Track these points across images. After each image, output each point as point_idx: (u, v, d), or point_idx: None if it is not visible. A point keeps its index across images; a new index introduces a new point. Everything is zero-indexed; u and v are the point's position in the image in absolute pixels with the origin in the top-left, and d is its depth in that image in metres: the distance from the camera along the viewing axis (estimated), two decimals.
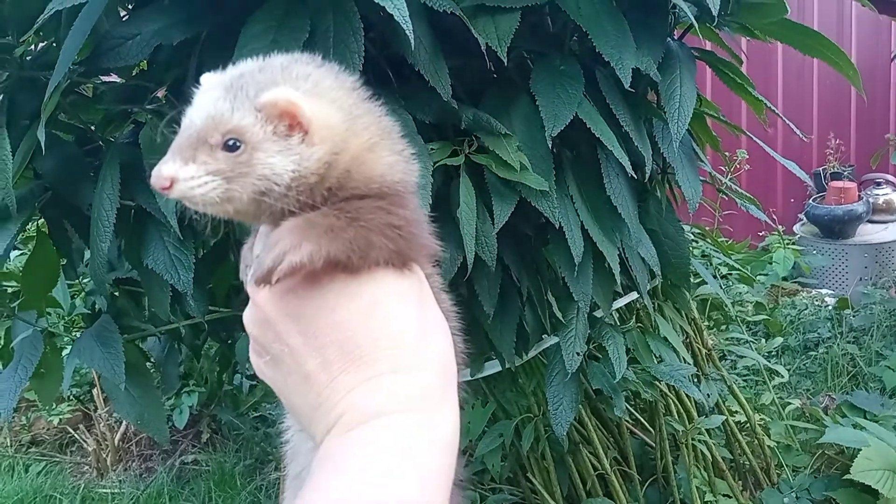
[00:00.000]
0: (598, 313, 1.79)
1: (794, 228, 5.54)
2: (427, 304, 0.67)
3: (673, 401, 2.09)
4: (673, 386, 1.99)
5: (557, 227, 1.46)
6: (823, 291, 4.93)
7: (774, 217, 5.41)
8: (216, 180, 0.63)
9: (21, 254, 3.48)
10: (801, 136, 1.85)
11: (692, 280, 2.04)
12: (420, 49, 1.28)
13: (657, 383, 1.88)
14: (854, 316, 4.25)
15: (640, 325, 1.91)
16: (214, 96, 0.66)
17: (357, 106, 0.68)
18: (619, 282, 1.60)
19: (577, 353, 1.67)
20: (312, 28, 1.19)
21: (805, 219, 5.50)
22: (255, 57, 0.71)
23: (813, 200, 5.41)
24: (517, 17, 1.36)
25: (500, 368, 1.82)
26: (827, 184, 5.44)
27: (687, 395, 2.08)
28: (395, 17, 1.05)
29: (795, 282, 4.99)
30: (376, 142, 0.68)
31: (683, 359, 1.91)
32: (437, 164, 1.38)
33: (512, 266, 1.65)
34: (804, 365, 3.81)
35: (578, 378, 1.75)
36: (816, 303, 4.55)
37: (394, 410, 0.58)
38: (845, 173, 5.60)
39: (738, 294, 3.17)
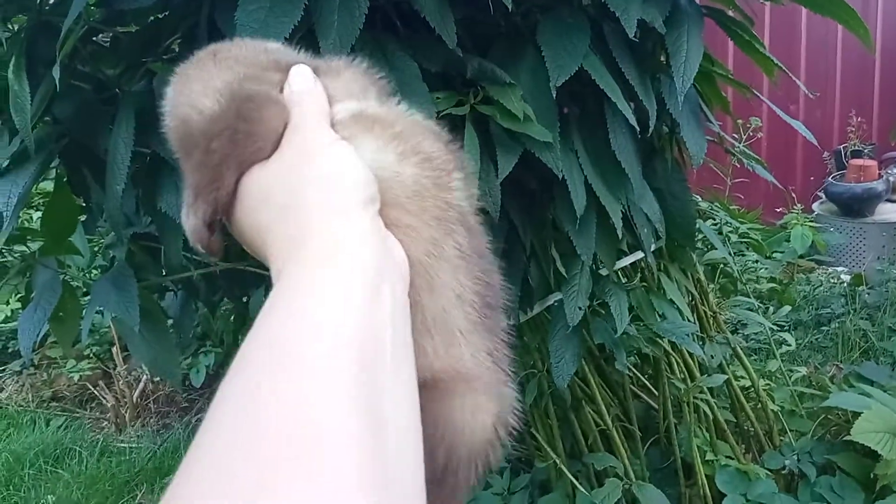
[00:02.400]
0: (603, 271, 1.81)
1: (813, 206, 5.49)
2: None
3: (676, 360, 2.11)
4: (677, 345, 2.01)
5: (560, 178, 1.48)
6: (839, 269, 4.90)
7: (793, 195, 5.38)
8: None
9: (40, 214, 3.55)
10: (807, 93, 1.84)
11: (700, 245, 2.05)
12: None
13: (660, 341, 1.90)
14: (868, 293, 4.23)
15: (644, 284, 1.93)
16: None
17: None
18: (622, 238, 1.61)
19: (580, 308, 1.69)
20: None
21: (824, 196, 5.45)
22: None
23: (832, 178, 5.36)
24: None
25: None
26: (847, 162, 5.38)
27: (690, 355, 2.10)
28: None
29: (812, 259, 4.96)
30: None
31: (687, 319, 1.93)
32: (442, 114, 1.41)
33: (517, 221, 1.67)
34: (816, 339, 3.81)
35: (581, 333, 1.77)
36: (832, 280, 4.53)
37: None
38: (866, 151, 5.54)
39: (749, 265, 3.17)
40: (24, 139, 1.38)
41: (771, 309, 3.32)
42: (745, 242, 3.12)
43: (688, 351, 2.05)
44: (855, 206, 5.16)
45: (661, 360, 2.05)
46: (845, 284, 4.42)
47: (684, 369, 2.10)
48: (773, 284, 3.42)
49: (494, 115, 1.43)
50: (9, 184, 1.40)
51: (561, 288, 1.79)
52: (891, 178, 5.29)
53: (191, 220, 0.66)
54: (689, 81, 1.45)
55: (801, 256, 4.83)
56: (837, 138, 5.85)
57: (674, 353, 2.08)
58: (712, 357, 2.04)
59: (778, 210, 5.17)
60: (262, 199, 0.62)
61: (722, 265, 2.68)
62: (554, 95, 1.41)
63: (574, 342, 1.74)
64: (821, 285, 4.38)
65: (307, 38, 1.22)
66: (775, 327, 2.48)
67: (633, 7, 1.37)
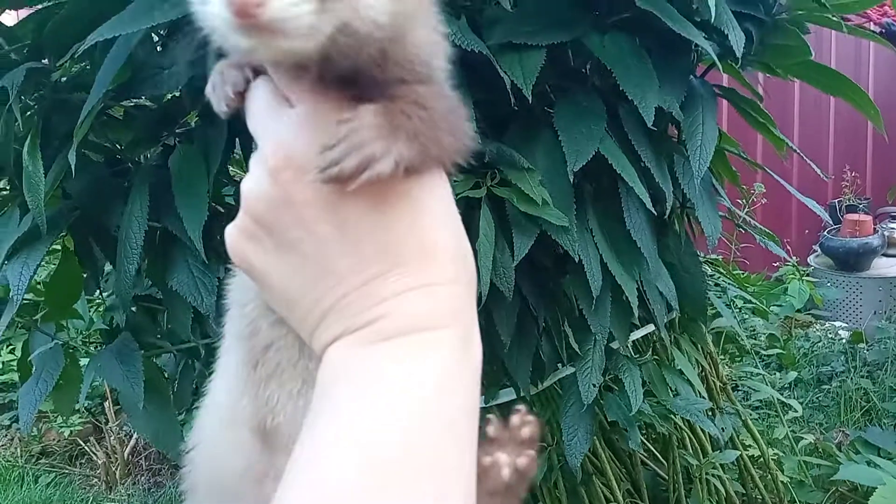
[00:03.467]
0: (615, 345, 1.80)
1: (809, 260, 5.52)
2: (455, 207, 0.61)
3: (687, 434, 2.08)
4: (687, 419, 1.99)
5: (577, 261, 1.47)
6: (837, 324, 4.91)
7: (789, 248, 5.41)
8: (312, 3, 0.50)
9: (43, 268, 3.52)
10: (820, 174, 1.86)
11: (708, 313, 2.03)
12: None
13: (672, 416, 1.87)
14: (868, 350, 4.22)
15: (656, 357, 1.91)
16: None
17: None
18: (636, 315, 1.60)
19: (594, 385, 1.67)
20: None
21: (819, 250, 5.49)
22: None
23: (828, 232, 5.40)
24: (543, 55, 1.38)
25: (514, 396, 1.82)
26: (842, 216, 5.43)
27: (701, 429, 2.08)
28: None
29: (809, 313, 4.96)
30: (425, 12, 0.60)
31: (699, 392, 1.91)
32: (459, 196, 1.40)
33: (530, 296, 1.66)
34: (817, 398, 3.78)
35: (593, 409, 1.75)
36: (830, 336, 4.52)
37: (435, 325, 0.54)
38: (861, 206, 5.59)
39: (751, 327, 3.16)
40: (35, 218, 1.37)
41: (775, 372, 3.31)
42: (749, 308, 3.12)
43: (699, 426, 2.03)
44: (851, 261, 5.19)
45: (672, 434, 2.03)
46: (844, 341, 4.42)
47: (695, 442, 2.08)
48: (778, 349, 3.40)
49: (511, 199, 1.43)
50: (20, 265, 1.38)
51: (572, 362, 1.77)
52: (886, 233, 5.33)
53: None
54: (706, 164, 1.46)
55: (798, 310, 4.83)
56: (832, 192, 5.90)
57: (685, 427, 2.06)
58: (723, 430, 2.02)
59: (775, 264, 5.18)
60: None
61: (726, 331, 2.66)
62: (572, 180, 1.41)
63: (587, 419, 1.72)
64: (820, 341, 4.37)
65: None
66: (779, 396, 2.46)
67: (650, 95, 1.38)
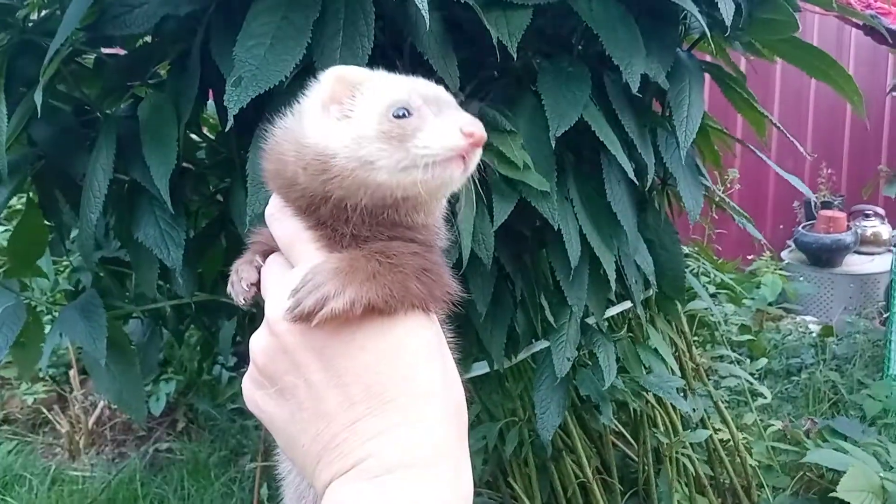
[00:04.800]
0: (590, 320, 1.78)
1: (782, 255, 5.56)
2: (444, 347, 0.67)
3: (660, 412, 2.08)
4: (660, 398, 1.98)
5: (556, 229, 1.45)
6: (808, 318, 4.95)
7: (764, 242, 5.45)
8: None
9: (5, 230, 3.44)
10: (802, 151, 1.85)
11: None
12: (431, 38, 1.27)
13: (645, 394, 1.87)
14: (837, 344, 4.27)
15: (630, 334, 1.90)
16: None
17: None
18: (613, 289, 1.59)
19: (568, 359, 1.65)
20: (323, 7, 1.17)
21: (793, 245, 5.53)
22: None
23: (802, 228, 5.44)
24: (529, 15, 1.34)
25: (487, 370, 1.80)
26: (817, 212, 5.48)
27: (673, 409, 2.07)
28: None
29: (780, 307, 5.00)
30: None
31: (673, 371, 1.90)
32: None
33: (508, 266, 1.63)
34: (786, 389, 3.82)
35: (567, 384, 1.73)
36: (800, 329, 4.57)
37: (421, 463, 0.57)
38: (835, 203, 5.64)
39: (724, 315, 3.17)
40: None
41: (745, 360, 3.33)
42: (722, 292, 3.12)
43: (671, 404, 2.02)
44: (824, 257, 5.24)
45: (643, 412, 2.02)
46: (814, 335, 4.46)
47: (667, 422, 2.07)
48: (748, 335, 3.42)
49: (492, 162, 1.39)
50: None
51: (547, 336, 1.76)
52: (859, 231, 5.39)
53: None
54: (692, 136, 1.44)
55: (769, 304, 4.87)
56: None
57: (657, 406, 2.05)
58: (694, 410, 2.02)
59: (749, 257, 5.22)
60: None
61: (700, 315, 2.67)
62: (553, 145, 1.38)
63: (560, 393, 1.70)
64: (790, 334, 4.41)
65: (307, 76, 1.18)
66: (751, 380, 2.47)
67: (636, 61, 1.36)
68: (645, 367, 1.84)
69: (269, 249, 0.72)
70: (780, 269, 5.06)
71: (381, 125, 0.64)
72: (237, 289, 0.73)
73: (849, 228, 5.34)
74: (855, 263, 5.31)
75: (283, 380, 0.63)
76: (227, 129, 1.06)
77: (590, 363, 1.80)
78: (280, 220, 0.69)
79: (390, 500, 0.55)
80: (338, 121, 0.67)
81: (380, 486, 0.55)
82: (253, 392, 0.67)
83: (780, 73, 5.82)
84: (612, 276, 1.54)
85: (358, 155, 0.64)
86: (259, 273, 0.72)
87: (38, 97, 1.19)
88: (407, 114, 0.64)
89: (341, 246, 0.66)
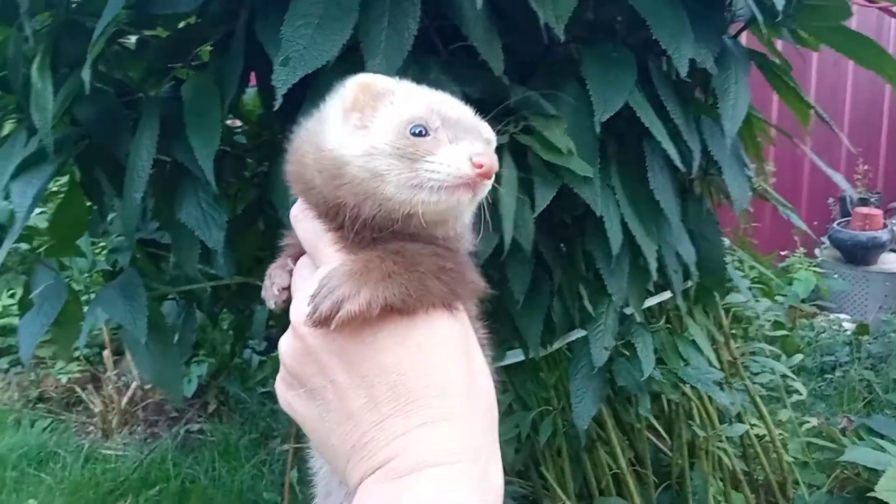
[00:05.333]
0: (628, 310, 1.76)
1: (816, 251, 5.47)
2: (472, 344, 0.67)
3: (696, 405, 2.05)
4: (697, 390, 1.96)
5: (598, 216, 1.43)
6: (841, 316, 4.87)
7: (796, 238, 5.36)
8: None
9: (41, 212, 3.49)
10: (845, 141, 1.80)
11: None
12: (477, 21, 1.26)
13: (682, 386, 1.84)
14: (872, 343, 4.19)
15: (668, 325, 1.87)
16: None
17: None
18: (654, 279, 1.56)
19: (605, 349, 1.64)
20: None
21: (828, 242, 5.43)
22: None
23: (837, 224, 5.34)
24: None
25: (521, 358, 1.79)
26: (853, 209, 5.37)
27: (710, 402, 2.05)
28: None
29: (814, 305, 4.92)
30: None
31: (712, 364, 1.87)
32: None
33: (547, 256, 1.62)
34: (819, 387, 3.76)
35: (603, 375, 1.72)
36: (834, 327, 4.49)
37: (447, 461, 0.57)
38: (872, 199, 5.53)
39: (761, 310, 3.13)
40: (42, 139, 1.32)
41: (780, 356, 3.28)
42: (756, 287, 3.08)
43: (708, 397, 1.99)
44: (859, 254, 5.14)
45: (680, 405, 1.99)
46: (848, 332, 4.38)
47: (704, 415, 2.04)
48: (784, 331, 3.37)
49: (535, 147, 1.38)
50: (24, 184, 1.34)
51: (584, 325, 1.74)
52: (895, 229, 5.28)
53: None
54: (738, 124, 1.41)
55: (802, 301, 4.79)
56: None
57: (694, 399, 2.02)
58: (732, 405, 1.99)
59: (782, 253, 5.13)
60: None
61: (733, 309, 2.62)
62: (598, 130, 1.36)
63: (596, 383, 1.68)
64: (824, 331, 4.34)
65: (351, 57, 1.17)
66: (790, 374, 2.43)
67: (685, 46, 1.33)
68: (683, 359, 1.81)
69: (301, 252, 0.73)
70: (814, 266, 4.97)
71: (395, 141, 0.65)
72: (269, 293, 0.74)
73: (885, 226, 5.23)
74: (891, 262, 5.21)
75: (311, 381, 0.64)
76: (275, 109, 1.05)
77: (627, 354, 1.78)
78: (303, 221, 0.70)
79: (417, 499, 0.55)
80: (356, 129, 0.67)
81: (407, 486, 0.56)
82: (285, 392, 0.68)
83: (816, 69, 5.71)
84: (653, 264, 1.52)
85: (369, 166, 0.64)
86: (291, 277, 0.73)
87: (86, 74, 1.20)
88: (424, 132, 0.65)
89: (361, 248, 0.66)
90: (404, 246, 0.65)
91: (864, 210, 5.28)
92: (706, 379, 1.73)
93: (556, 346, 1.79)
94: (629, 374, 1.72)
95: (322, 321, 0.61)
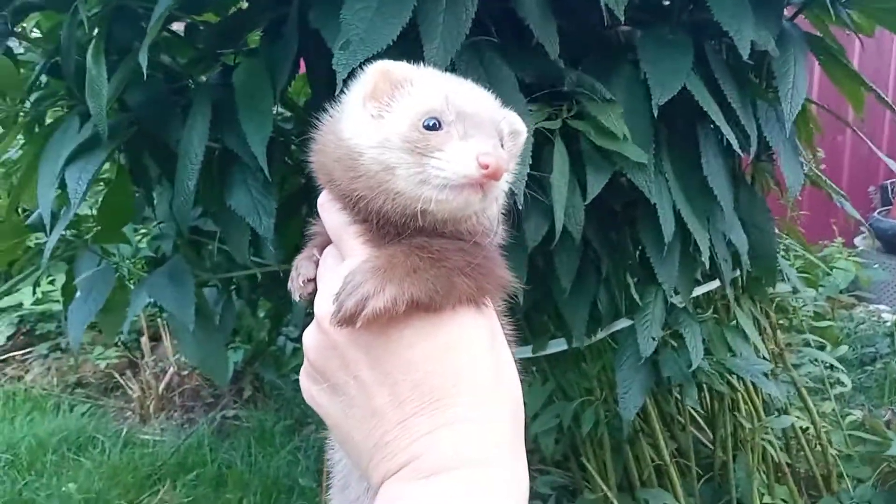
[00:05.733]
0: (675, 300, 1.73)
1: (856, 241, 5.36)
2: (498, 340, 0.65)
3: (743, 396, 2.02)
4: (742, 381, 1.93)
5: (652, 203, 1.40)
6: (881, 307, 4.77)
7: (835, 227, 5.26)
8: None
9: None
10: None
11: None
12: (533, 4, 1.23)
13: (729, 376, 1.81)
14: None
15: (715, 315, 1.84)
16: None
17: None
18: (706, 265, 1.53)
19: (653, 338, 1.62)
20: None
21: (867, 232, 5.32)
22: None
23: (878, 214, 5.24)
24: None
25: (563, 347, 1.77)
26: (893, 198, 5.25)
27: (757, 393, 2.01)
28: None
29: (853, 295, 4.83)
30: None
31: (761, 354, 1.84)
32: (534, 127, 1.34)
33: (595, 243, 1.60)
34: (859, 379, 3.69)
35: (650, 365, 1.69)
36: (874, 318, 4.40)
37: (472, 463, 0.56)
38: None
39: (805, 300, 3.07)
40: (97, 125, 1.33)
41: (820, 347, 3.22)
42: (802, 276, 3.02)
43: (753, 388, 1.96)
44: None
45: (725, 396, 1.97)
46: (889, 324, 4.30)
47: (751, 407, 2.01)
48: (828, 321, 3.31)
49: (588, 132, 1.35)
50: (78, 170, 1.35)
51: (630, 315, 1.71)
52: None
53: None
54: (797, 108, 1.38)
55: (840, 291, 4.70)
56: (883, 174, 5.71)
57: (740, 390, 1.99)
58: (780, 396, 1.95)
59: (821, 242, 5.04)
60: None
61: (777, 299, 2.58)
62: (655, 114, 1.34)
63: (643, 373, 1.66)
64: (863, 322, 4.25)
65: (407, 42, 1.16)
66: (837, 364, 2.39)
67: (746, 27, 1.30)
68: (730, 350, 1.78)
69: (327, 241, 0.71)
70: (854, 256, 4.87)
71: (408, 133, 0.63)
72: (294, 285, 0.73)
73: None
74: None
75: (335, 376, 0.63)
76: (337, 93, 1.04)
77: (673, 344, 1.75)
78: (329, 211, 0.68)
79: (440, 501, 0.54)
80: (372, 118, 0.65)
81: (430, 487, 0.55)
82: (309, 386, 0.67)
83: (858, 59, 5.58)
84: (705, 253, 1.49)
85: (381, 158, 0.63)
86: (317, 268, 0.72)
87: (143, 58, 1.20)
88: (438, 125, 0.63)
89: (386, 241, 0.65)
90: (430, 240, 0.64)
91: None
92: (755, 370, 1.70)
93: (601, 335, 1.77)
94: (676, 364, 1.69)
95: (347, 320, 0.60)
